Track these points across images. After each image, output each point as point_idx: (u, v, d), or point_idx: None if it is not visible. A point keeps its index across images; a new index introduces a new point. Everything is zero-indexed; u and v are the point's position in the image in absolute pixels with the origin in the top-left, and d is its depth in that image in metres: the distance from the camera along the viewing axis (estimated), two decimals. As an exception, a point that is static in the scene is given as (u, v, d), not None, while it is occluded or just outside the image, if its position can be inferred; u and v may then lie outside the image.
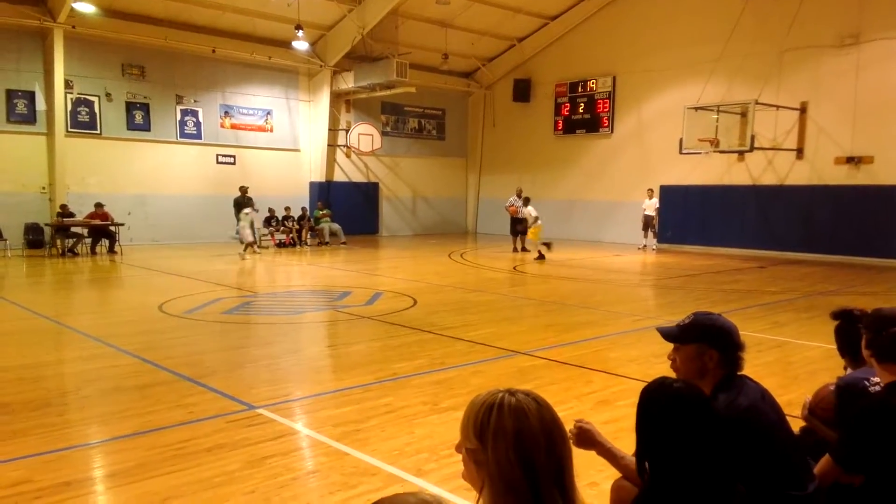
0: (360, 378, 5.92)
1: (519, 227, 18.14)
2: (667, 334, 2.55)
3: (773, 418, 2.39)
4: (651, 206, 19.09)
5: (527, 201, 17.56)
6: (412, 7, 20.01)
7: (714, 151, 16.65)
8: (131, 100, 18.40)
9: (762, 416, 2.34)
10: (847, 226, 16.24)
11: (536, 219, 16.86)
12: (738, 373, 2.46)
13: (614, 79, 21.27)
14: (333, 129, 21.87)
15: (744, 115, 16.17)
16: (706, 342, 2.44)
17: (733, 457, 2.19)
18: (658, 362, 6.28)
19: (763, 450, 2.27)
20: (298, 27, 18.15)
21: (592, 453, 2.48)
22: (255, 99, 20.70)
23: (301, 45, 19.30)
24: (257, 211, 17.54)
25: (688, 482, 1.85)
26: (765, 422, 2.34)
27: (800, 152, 17.19)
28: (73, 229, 16.47)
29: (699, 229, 18.92)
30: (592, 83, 21.83)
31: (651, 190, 19.16)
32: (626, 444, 2.49)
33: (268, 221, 19.22)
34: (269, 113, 21.07)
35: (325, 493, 3.66)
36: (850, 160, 16.33)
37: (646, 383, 2.06)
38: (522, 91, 23.54)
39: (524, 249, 17.93)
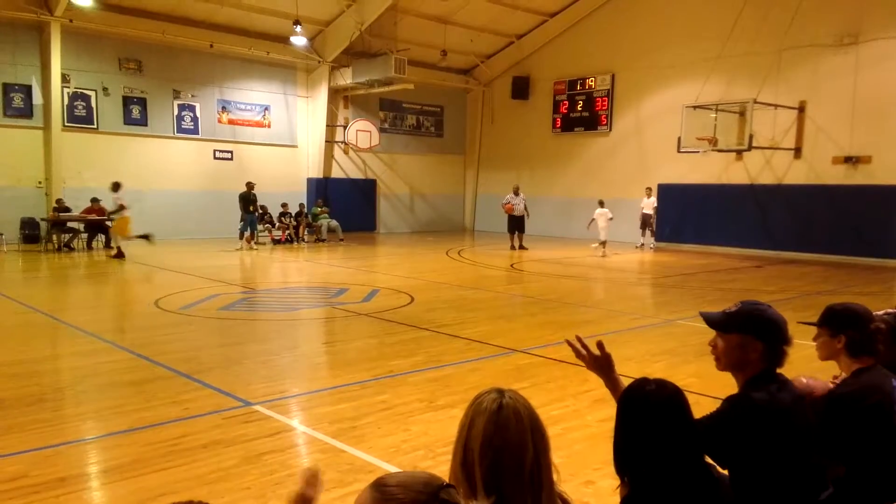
0: (357, 375, 5.91)
1: (515, 224, 18.12)
2: (711, 320, 2.44)
3: (806, 420, 2.36)
4: (649, 204, 19.08)
5: (116, 187, 14.84)
6: (411, 3, 19.97)
7: (712, 150, 16.65)
8: (128, 94, 18.32)
9: (800, 417, 2.31)
10: (844, 225, 16.24)
11: (122, 208, 14.76)
12: (778, 370, 2.36)
13: (613, 77, 21.26)
14: (331, 126, 21.82)
15: (742, 114, 16.17)
16: (752, 333, 2.31)
17: (764, 451, 2.15)
18: (654, 361, 6.29)
19: (792, 449, 2.24)
20: (297, 22, 18.11)
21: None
22: (252, 94, 20.63)
23: (299, 40, 19.25)
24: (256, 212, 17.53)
25: (666, 484, 1.84)
26: (801, 422, 2.31)
27: (798, 152, 17.20)
28: (70, 224, 16.42)
29: (697, 228, 18.92)
30: (591, 81, 21.80)
31: (649, 188, 19.15)
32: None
33: (261, 218, 19.16)
34: (266, 108, 21.01)
35: (320, 491, 3.65)
36: (847, 160, 16.35)
37: None
38: (521, 88, 23.50)
39: (521, 247, 17.92)
